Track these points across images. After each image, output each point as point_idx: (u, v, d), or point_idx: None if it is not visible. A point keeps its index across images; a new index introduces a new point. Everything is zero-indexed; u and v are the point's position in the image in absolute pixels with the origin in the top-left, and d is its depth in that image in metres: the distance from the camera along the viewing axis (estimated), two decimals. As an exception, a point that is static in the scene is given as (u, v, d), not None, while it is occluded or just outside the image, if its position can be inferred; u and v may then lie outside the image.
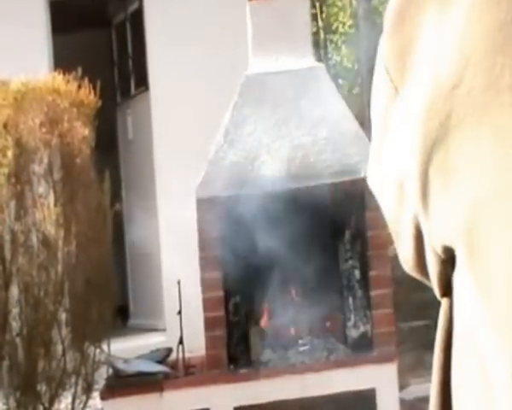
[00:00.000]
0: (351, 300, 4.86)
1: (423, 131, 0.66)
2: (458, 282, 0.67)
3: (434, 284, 0.72)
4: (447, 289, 0.70)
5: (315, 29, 11.08)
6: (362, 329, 4.84)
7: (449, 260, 0.68)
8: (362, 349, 4.79)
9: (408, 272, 0.78)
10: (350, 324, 4.86)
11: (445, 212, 0.66)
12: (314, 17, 10.99)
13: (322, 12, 12.42)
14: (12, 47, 6.12)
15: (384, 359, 4.68)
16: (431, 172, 0.66)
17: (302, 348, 4.82)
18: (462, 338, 0.68)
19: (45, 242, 4.58)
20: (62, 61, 5.59)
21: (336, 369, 4.67)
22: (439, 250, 0.68)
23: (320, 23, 12.35)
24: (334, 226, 4.81)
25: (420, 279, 0.77)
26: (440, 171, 0.66)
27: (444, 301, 0.72)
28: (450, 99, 0.65)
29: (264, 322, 4.86)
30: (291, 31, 5.07)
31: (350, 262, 4.86)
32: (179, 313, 4.80)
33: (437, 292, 0.72)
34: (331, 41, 13.16)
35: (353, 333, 4.85)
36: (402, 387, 5.07)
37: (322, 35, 12.47)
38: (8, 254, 4.51)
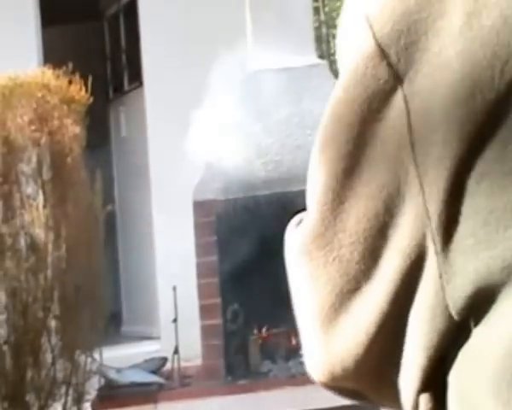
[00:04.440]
0: (353, 308, 4.77)
1: (462, 122, 0.55)
2: (481, 345, 0.57)
3: (420, 369, 0.60)
4: (432, 381, 0.60)
5: (317, 24, 11.01)
6: (365, 338, 4.75)
7: (462, 321, 0.58)
8: (365, 359, 4.70)
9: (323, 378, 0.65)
10: (353, 332, 4.77)
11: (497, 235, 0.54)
12: (316, 11, 10.92)
13: (324, 5, 12.37)
14: (-1, 40, 6.25)
15: (388, 369, 4.59)
16: (471, 180, 0.53)
17: (304, 359, 4.71)
18: None
19: (34, 245, 4.57)
20: (52, 56, 5.61)
21: (339, 380, 4.58)
22: (459, 305, 0.57)
23: (322, 17, 12.30)
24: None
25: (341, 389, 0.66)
26: (491, 174, 0.53)
27: (422, 399, 0.60)
28: None
29: (263, 331, 4.86)
30: (292, 26, 5.13)
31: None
32: (175, 320, 4.84)
33: (414, 386, 0.61)
34: (334, 36, 13.13)
35: (356, 342, 4.76)
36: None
37: (324, 30, 12.43)
38: (-6, 258, 4.63)
